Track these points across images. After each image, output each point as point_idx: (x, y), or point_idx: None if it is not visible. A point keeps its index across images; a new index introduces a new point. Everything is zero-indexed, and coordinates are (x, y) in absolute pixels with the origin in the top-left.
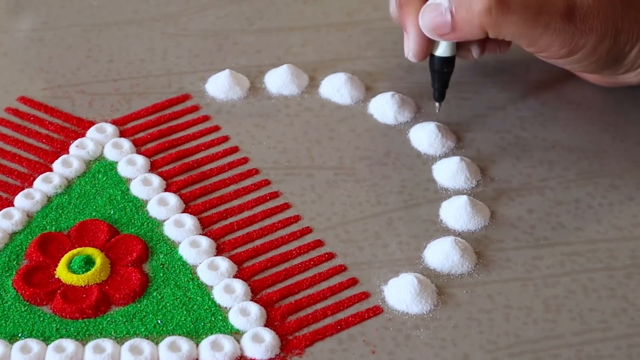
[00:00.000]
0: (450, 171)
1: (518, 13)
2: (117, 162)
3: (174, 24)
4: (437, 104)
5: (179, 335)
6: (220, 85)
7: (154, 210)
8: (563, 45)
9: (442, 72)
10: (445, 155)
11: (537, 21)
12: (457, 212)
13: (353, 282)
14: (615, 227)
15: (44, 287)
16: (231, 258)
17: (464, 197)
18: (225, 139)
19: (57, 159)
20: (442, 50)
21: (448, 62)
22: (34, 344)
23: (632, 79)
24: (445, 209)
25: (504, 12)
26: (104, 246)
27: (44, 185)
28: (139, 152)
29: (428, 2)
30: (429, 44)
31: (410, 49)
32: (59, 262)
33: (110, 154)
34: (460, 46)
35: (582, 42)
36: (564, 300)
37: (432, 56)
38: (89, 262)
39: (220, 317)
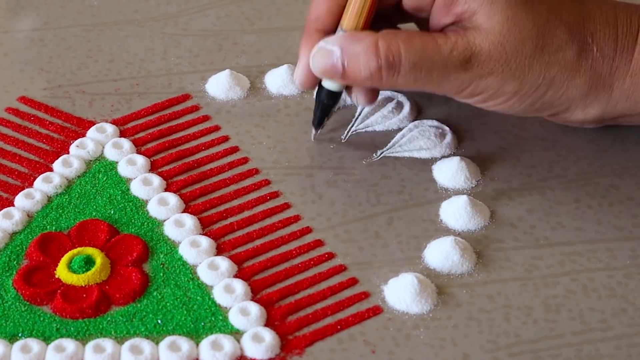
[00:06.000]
0: (450, 171)
1: (408, 75)
2: (117, 162)
3: (174, 24)
4: (313, 131)
5: (179, 335)
6: (220, 85)
7: (154, 210)
8: (461, 89)
9: (324, 103)
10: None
11: (429, 79)
12: (457, 212)
13: (353, 282)
14: (615, 227)
15: (44, 287)
16: (231, 258)
17: (464, 197)
18: (225, 139)
19: (57, 158)
20: (330, 83)
21: (332, 95)
22: (34, 344)
23: (577, 117)
24: (445, 209)
25: (394, 76)
26: (104, 246)
27: (44, 185)
28: (139, 152)
29: (320, 44)
30: (316, 77)
31: (298, 76)
32: (59, 262)
33: (110, 153)
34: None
35: (482, 85)
36: (563, 300)
37: (320, 85)
38: (89, 262)
39: (221, 317)
